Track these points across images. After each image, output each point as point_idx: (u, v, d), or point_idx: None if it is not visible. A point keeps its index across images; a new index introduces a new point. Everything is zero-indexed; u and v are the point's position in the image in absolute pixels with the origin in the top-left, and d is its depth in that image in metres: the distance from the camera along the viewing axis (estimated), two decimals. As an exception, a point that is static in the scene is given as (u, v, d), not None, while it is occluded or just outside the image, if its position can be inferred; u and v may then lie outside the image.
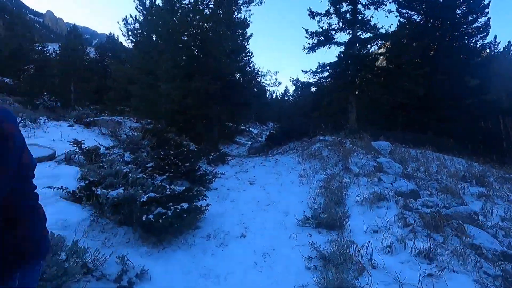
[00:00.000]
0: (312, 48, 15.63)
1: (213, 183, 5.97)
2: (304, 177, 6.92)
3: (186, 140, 9.49)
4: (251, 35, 17.67)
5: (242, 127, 35.78)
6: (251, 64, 16.16)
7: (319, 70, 16.16)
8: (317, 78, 16.47)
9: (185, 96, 8.17)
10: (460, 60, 18.10)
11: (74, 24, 36.78)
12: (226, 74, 10.31)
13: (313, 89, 20.76)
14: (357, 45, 15.56)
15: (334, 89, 15.19)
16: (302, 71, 16.27)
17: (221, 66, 9.96)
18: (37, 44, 36.06)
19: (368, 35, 15.42)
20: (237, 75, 12.31)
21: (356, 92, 15.44)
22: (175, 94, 8.17)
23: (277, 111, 55.98)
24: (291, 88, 66.42)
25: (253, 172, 7.62)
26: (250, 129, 38.97)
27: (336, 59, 15.58)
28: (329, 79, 16.07)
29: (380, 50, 16.57)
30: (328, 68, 15.51)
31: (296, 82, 16.41)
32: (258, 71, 14.27)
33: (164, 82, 8.19)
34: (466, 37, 18.43)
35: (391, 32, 15.11)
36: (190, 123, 9.47)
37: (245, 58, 16.50)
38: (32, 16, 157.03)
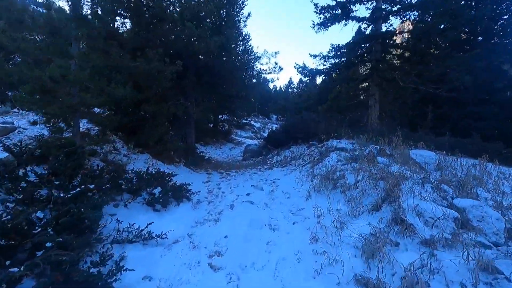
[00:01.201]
0: (324, 24, 11.89)
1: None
2: (319, 241, 3.48)
3: (130, 154, 6.04)
4: (248, 15, 14.01)
5: (244, 121, 32.35)
6: (247, 48, 12.49)
7: (331, 54, 12.45)
8: (328, 64, 12.77)
9: (125, 83, 4.88)
10: (500, 45, 14.18)
11: None
12: (198, 51, 6.82)
13: (320, 79, 16.93)
14: (381, 21, 11.74)
15: (351, 78, 11.49)
16: (310, 55, 12.62)
17: (187, 40, 6.45)
18: None
19: (395, 7, 11.57)
20: (224, 58, 8.87)
21: (378, 82, 11.72)
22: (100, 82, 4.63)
23: (281, 104, 52.16)
24: (296, 79, 62.16)
25: (225, 225, 4.02)
26: (252, 122, 35.39)
27: (352, 39, 11.84)
28: (345, 64, 12.31)
29: (408, 28, 12.73)
30: (344, 50, 11.79)
31: (302, 69, 12.78)
32: (251, 51, 10.64)
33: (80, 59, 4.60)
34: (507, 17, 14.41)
35: (422, 3, 11.24)
36: (144, 125, 6.14)
37: (240, 43, 12.91)
38: None
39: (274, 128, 17.23)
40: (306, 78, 15.18)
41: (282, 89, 60.50)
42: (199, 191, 5.32)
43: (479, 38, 14.20)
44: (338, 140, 10.06)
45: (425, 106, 15.28)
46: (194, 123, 8.62)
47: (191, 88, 7.84)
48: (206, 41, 6.57)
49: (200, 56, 7.16)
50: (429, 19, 12.11)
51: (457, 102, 13.58)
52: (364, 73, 11.99)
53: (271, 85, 60.03)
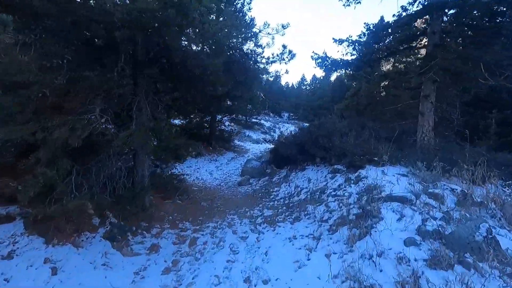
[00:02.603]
0: (357, -6, 7.96)
1: None
2: None
3: None
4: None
5: (253, 120, 28.81)
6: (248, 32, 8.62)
7: (364, 39, 8.52)
8: (356, 53, 8.83)
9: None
10: None
11: None
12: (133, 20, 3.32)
13: (342, 74, 13.03)
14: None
15: (398, 72, 7.65)
16: (335, 40, 8.75)
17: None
18: None
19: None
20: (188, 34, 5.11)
21: (434, 78, 7.71)
22: None
23: (293, 101, 48.11)
24: (309, 75, 57.00)
25: None
26: (262, 121, 31.64)
27: (397, 15, 7.88)
28: (388, 51, 8.34)
29: None
30: (387, 30, 7.82)
31: (322, 61, 8.96)
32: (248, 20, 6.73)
33: None
34: None
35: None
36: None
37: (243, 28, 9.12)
38: None
39: (283, 136, 13.47)
40: (321, 73, 11.27)
41: (295, 86, 56.23)
42: None
43: None
44: (382, 169, 6.26)
45: (482, 110, 11.12)
46: (150, 142, 5.10)
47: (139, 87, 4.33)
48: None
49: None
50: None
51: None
52: (418, 64, 8.02)
53: (269, 74, 56.01)
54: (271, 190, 7.64)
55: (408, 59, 10.05)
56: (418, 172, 6.04)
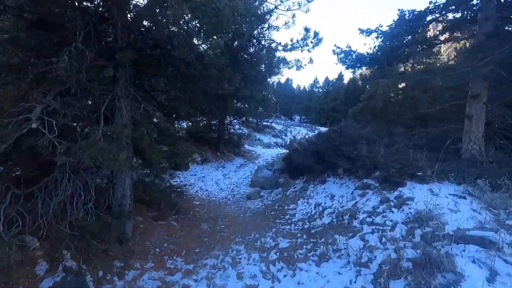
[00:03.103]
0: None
1: None
2: None
3: None
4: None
5: (265, 122, 27.66)
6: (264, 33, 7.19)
7: (396, 30, 7.12)
8: (387, 46, 7.43)
9: None
10: None
11: None
12: None
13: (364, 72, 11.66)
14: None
15: (447, 68, 6.27)
16: (361, 31, 7.39)
17: None
18: None
19: None
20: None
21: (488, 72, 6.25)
22: None
23: (305, 104, 46.60)
24: (322, 78, 54.39)
25: None
26: (273, 124, 30.35)
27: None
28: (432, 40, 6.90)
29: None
30: (434, 9, 6.38)
31: (346, 55, 7.62)
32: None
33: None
34: None
35: None
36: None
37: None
38: None
39: (297, 141, 12.14)
40: (350, 70, 9.90)
41: (306, 88, 54.66)
42: None
43: None
44: (429, 186, 4.86)
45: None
46: (131, 155, 3.92)
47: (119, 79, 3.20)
48: None
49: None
50: None
51: None
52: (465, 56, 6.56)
53: (294, 82, 54.68)
54: (286, 207, 6.34)
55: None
56: (478, 192, 4.62)
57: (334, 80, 52.04)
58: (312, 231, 4.72)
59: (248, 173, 10.90)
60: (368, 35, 7.30)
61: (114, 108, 3.48)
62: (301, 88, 56.23)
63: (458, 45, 15.52)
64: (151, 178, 6.21)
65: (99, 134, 2.81)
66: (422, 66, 10.08)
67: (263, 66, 4.57)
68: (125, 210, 3.77)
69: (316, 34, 3.98)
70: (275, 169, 10.02)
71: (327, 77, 53.24)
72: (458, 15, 6.61)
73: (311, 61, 4.36)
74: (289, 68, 4.06)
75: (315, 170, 7.64)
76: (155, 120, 4.96)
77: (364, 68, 9.39)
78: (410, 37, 7.23)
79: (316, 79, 52.85)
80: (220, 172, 10.74)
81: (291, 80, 52.82)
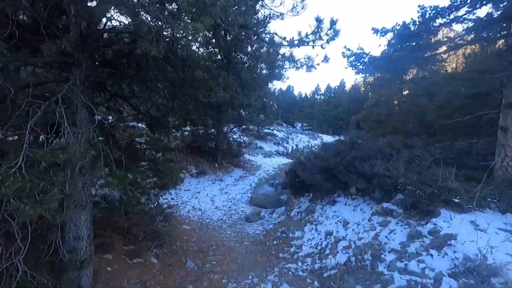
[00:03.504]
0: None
1: None
2: None
3: None
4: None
5: (266, 130, 26.85)
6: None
7: (413, 27, 6.22)
8: (404, 48, 6.51)
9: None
10: None
11: None
12: None
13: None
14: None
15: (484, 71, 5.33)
16: (375, 31, 6.48)
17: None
18: None
19: None
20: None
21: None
22: None
23: (307, 111, 45.80)
24: (324, 85, 53.38)
25: None
26: (275, 131, 29.46)
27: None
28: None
29: None
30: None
31: (358, 58, 6.70)
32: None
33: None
34: None
35: None
36: None
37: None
38: None
39: (299, 152, 11.21)
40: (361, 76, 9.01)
41: (308, 95, 53.90)
42: None
43: None
44: (469, 217, 3.86)
45: None
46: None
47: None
48: None
49: None
50: None
51: None
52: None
53: (294, 88, 54.09)
54: (291, 235, 5.33)
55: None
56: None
57: (336, 87, 51.35)
58: (325, 275, 3.71)
59: (248, 187, 9.90)
60: (383, 35, 6.39)
61: (61, 121, 2.53)
62: (303, 95, 55.53)
63: (466, 50, 14.58)
64: (130, 199, 5.25)
65: (19, 161, 1.87)
66: (441, 71, 9.14)
67: (264, 67, 3.59)
68: (79, 258, 2.79)
69: (332, 23, 3.04)
70: (277, 184, 9.02)
71: (329, 84, 52.65)
72: (484, 12, 5.70)
73: (325, 59, 3.38)
74: (297, 68, 3.19)
75: (322, 187, 6.64)
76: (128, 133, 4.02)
77: (377, 74, 8.49)
78: (431, 37, 6.31)
79: (318, 86, 52.20)
80: (217, 186, 9.74)
81: (293, 87, 52.19)
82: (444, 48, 6.22)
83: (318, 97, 50.71)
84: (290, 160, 16.50)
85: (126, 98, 4.19)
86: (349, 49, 6.68)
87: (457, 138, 7.38)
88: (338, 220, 5.30)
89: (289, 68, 3.25)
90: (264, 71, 3.44)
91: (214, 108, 5.92)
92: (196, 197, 8.18)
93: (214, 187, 9.56)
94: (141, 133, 4.08)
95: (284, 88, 48.75)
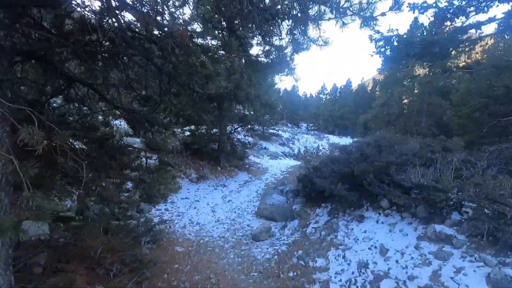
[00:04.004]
0: None
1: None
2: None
3: None
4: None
5: (271, 130, 25.77)
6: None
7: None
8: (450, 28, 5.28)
9: None
10: None
11: None
12: None
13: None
14: None
15: None
16: (411, 7, 5.24)
17: None
18: None
19: None
20: None
21: None
22: None
23: (312, 111, 44.55)
24: (330, 84, 51.46)
25: None
26: (280, 132, 28.28)
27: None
28: None
29: None
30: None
31: (387, 42, 5.51)
32: None
33: None
34: None
35: None
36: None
37: None
38: None
39: (312, 155, 10.03)
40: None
41: (313, 95, 52.57)
42: None
43: None
44: None
45: None
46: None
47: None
48: None
49: None
50: None
51: None
52: None
53: (299, 89, 52.86)
54: (311, 263, 4.14)
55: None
56: None
57: (342, 87, 49.90)
58: None
59: (254, 193, 8.72)
60: (423, 13, 5.17)
61: None
62: (308, 95, 54.23)
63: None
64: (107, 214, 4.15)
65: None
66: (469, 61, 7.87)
67: (289, 26, 2.43)
68: None
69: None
70: (287, 191, 7.84)
71: (334, 84, 51.25)
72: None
73: (397, 3, 2.12)
74: (343, 24, 2.10)
75: (346, 199, 5.43)
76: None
77: (409, 63, 7.39)
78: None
79: (324, 85, 50.86)
80: (219, 192, 8.59)
81: (297, 87, 50.87)
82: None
83: (323, 97, 49.35)
84: (298, 162, 15.29)
85: (92, 85, 3.04)
86: (378, 31, 5.48)
87: (502, 140, 6.15)
88: (372, 245, 4.09)
89: (331, 19, 1.94)
90: (287, 37, 2.29)
91: (213, 101, 4.82)
92: (195, 207, 7.03)
93: (216, 194, 8.40)
94: (111, 133, 2.94)
95: (289, 88, 47.51)
